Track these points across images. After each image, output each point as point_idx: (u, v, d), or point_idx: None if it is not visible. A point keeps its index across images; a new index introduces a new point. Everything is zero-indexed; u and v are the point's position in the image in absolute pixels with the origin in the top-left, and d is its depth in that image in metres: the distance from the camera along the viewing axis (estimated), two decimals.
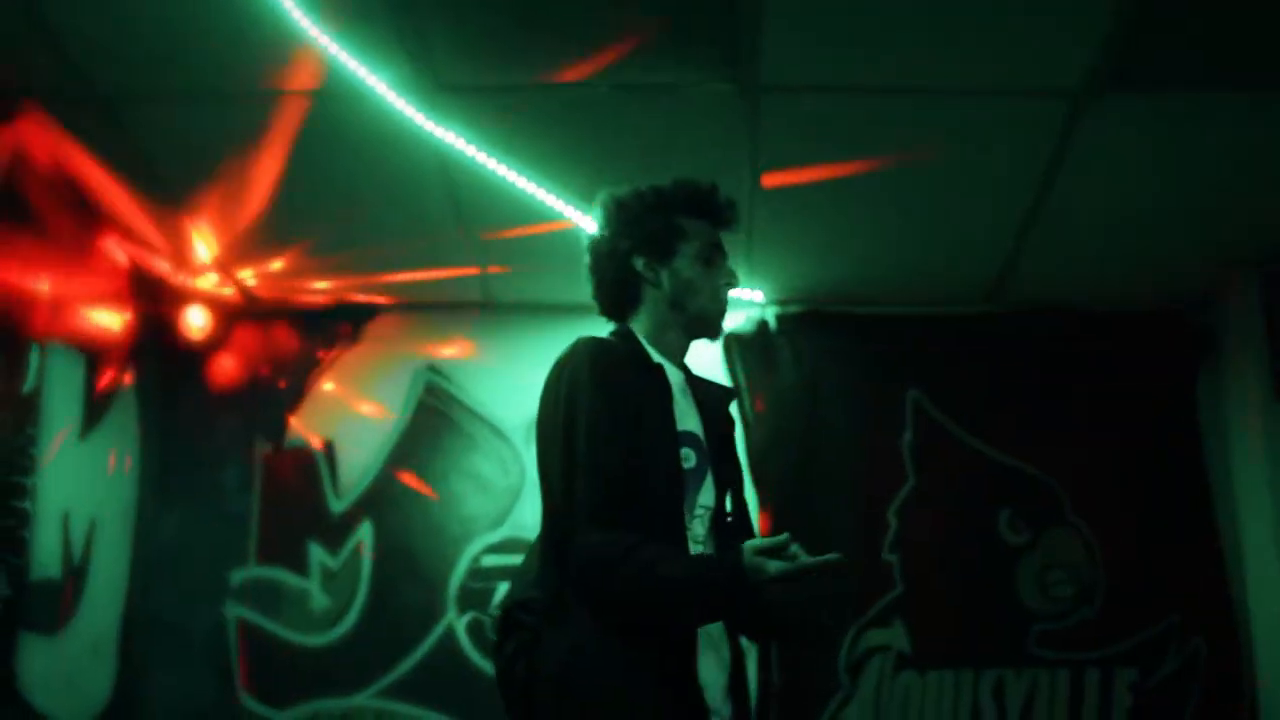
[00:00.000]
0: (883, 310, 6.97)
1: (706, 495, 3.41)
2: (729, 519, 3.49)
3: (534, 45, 4.88)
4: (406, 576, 6.87)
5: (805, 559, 2.95)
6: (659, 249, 3.61)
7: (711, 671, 3.28)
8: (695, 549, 3.33)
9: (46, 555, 5.81)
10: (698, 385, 3.61)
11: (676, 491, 3.31)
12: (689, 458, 3.39)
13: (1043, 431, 6.85)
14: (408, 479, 7.02)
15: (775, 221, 6.10)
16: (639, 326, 3.59)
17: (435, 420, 7.07)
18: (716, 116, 5.25)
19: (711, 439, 3.51)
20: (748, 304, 6.98)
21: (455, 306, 7.13)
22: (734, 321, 6.98)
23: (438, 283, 6.86)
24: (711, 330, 3.69)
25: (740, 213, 5.83)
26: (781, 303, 7.02)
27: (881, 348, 6.96)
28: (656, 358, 3.50)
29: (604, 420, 3.22)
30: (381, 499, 7.02)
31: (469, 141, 5.41)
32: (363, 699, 6.77)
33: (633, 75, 5.00)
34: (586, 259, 3.72)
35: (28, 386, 5.57)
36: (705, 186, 3.77)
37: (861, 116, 5.26)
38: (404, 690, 6.76)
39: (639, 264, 3.59)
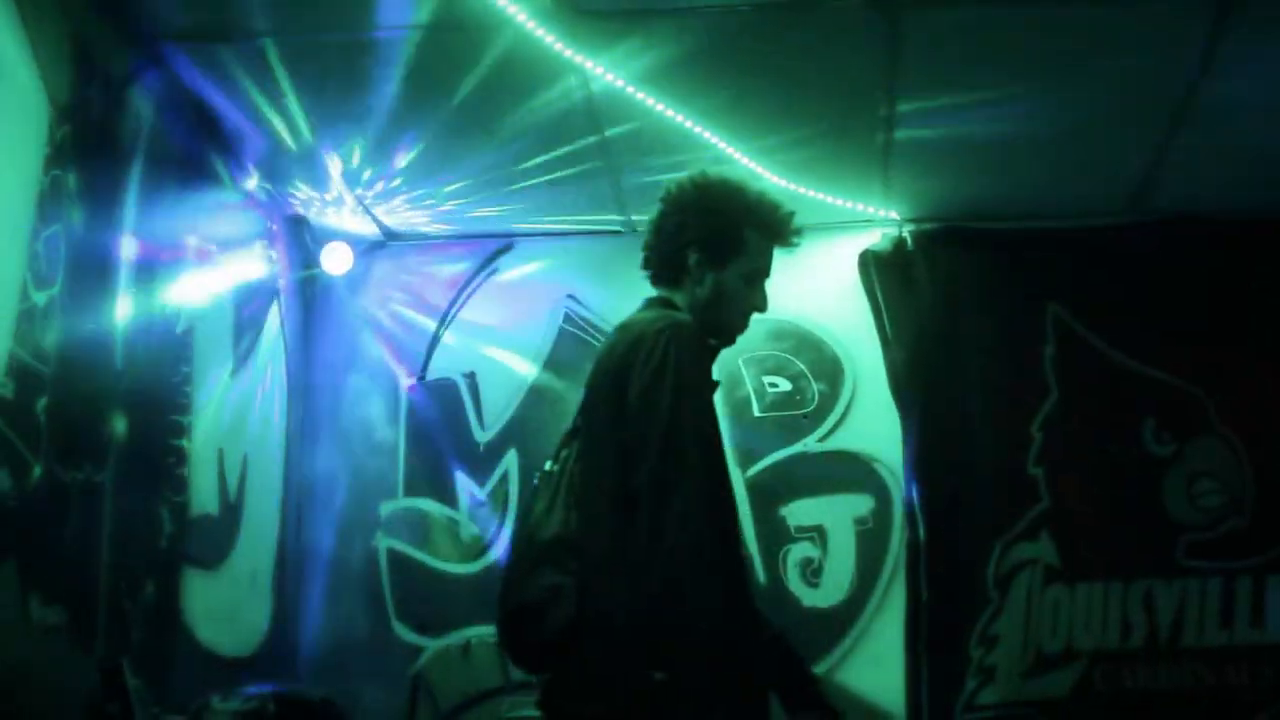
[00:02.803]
0: (1021, 226, 6.91)
1: None
2: None
3: None
4: None
5: None
6: (716, 254, 3.67)
7: None
8: None
9: (204, 492, 5.94)
10: None
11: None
12: None
13: (1186, 341, 6.75)
14: (550, 407, 7.07)
15: (911, 139, 6.06)
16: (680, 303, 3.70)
17: (576, 348, 7.10)
18: (856, 34, 5.19)
19: None
20: (884, 222, 6.95)
21: (594, 234, 7.16)
22: (870, 240, 6.97)
23: (577, 211, 6.90)
24: (726, 340, 3.76)
25: (877, 132, 5.88)
26: (917, 221, 6.96)
27: (1020, 262, 6.90)
28: None
29: (707, 414, 3.39)
30: (526, 428, 7.10)
31: (609, 69, 5.40)
32: None
33: None
34: (656, 213, 3.80)
35: (181, 327, 5.67)
36: (784, 211, 3.80)
37: (1001, 28, 5.16)
38: None
39: (692, 259, 3.68)
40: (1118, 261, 6.84)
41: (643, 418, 3.35)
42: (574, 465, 3.53)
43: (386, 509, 7.11)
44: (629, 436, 3.35)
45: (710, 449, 3.34)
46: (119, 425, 5.02)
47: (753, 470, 6.83)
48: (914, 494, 6.69)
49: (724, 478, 3.45)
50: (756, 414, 6.92)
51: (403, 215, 7.02)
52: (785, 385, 6.92)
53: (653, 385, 3.35)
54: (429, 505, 7.08)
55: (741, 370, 6.95)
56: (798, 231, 3.81)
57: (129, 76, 5.15)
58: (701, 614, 3.16)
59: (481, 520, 7.01)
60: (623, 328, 3.63)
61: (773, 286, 3.82)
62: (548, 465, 3.67)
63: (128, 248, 5.10)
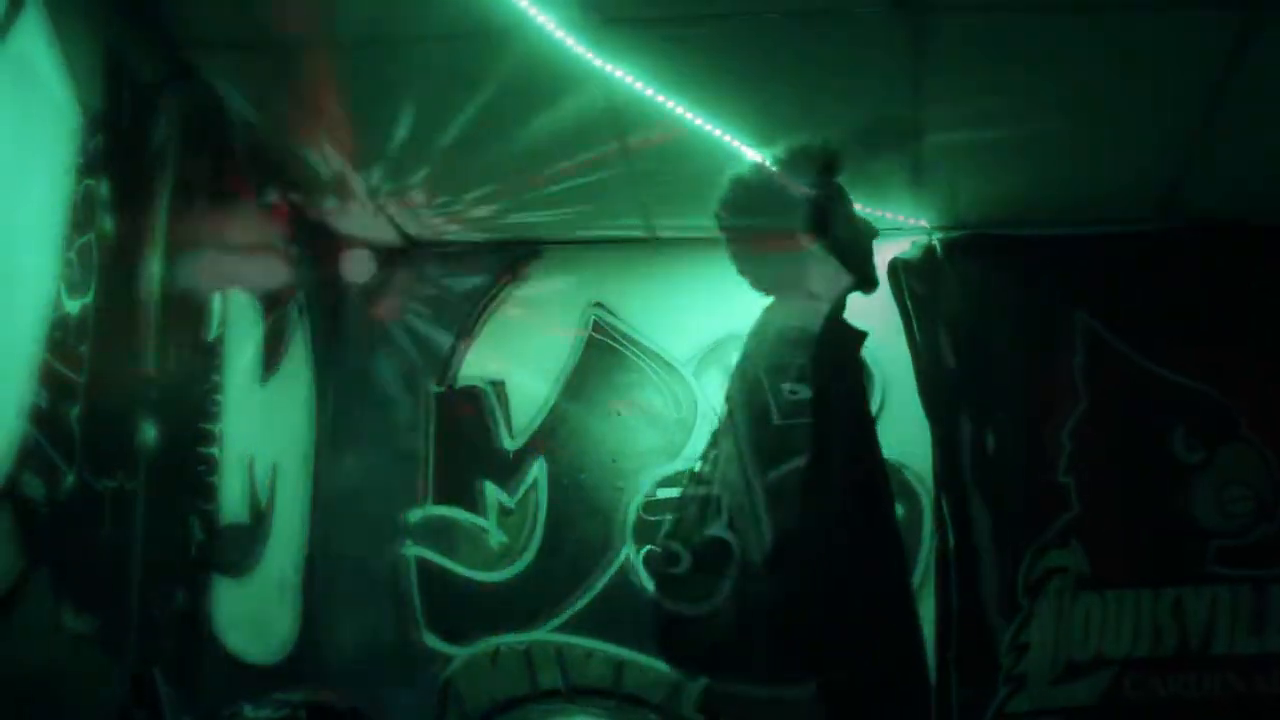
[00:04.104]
0: (1051, 233, 6.88)
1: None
2: None
3: None
4: (581, 511, 6.97)
5: None
6: (823, 220, 3.73)
7: None
8: None
9: (234, 500, 5.94)
10: None
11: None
12: None
13: (1215, 348, 6.73)
14: (579, 415, 7.09)
15: (940, 146, 6.05)
16: None
17: (603, 355, 7.13)
18: (882, 39, 5.17)
19: None
20: (913, 230, 6.94)
21: (619, 241, 7.17)
22: (899, 248, 6.95)
23: (601, 217, 6.90)
24: (871, 284, 3.81)
25: (905, 139, 5.87)
26: (946, 228, 6.96)
27: (1050, 270, 6.88)
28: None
29: (829, 404, 3.46)
30: (554, 435, 7.11)
31: (635, 76, 5.39)
32: (542, 633, 6.88)
33: (798, 1, 4.98)
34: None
35: (211, 334, 5.68)
36: (814, 147, 3.88)
37: (1028, 35, 5.14)
38: (582, 623, 6.87)
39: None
40: (1147, 268, 6.82)
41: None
42: (724, 467, 3.58)
43: (414, 517, 7.11)
44: (765, 437, 3.41)
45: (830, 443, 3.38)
46: (150, 433, 5.02)
47: (773, 473, 6.80)
48: (943, 502, 6.67)
49: (851, 463, 3.45)
50: (777, 422, 6.90)
51: (427, 223, 7.04)
52: (808, 393, 6.89)
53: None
54: (457, 513, 7.09)
55: (763, 378, 6.90)
56: (822, 150, 3.88)
57: (160, 85, 5.16)
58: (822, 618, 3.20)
59: (510, 528, 7.02)
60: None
61: None
62: (697, 466, 3.71)
63: (159, 256, 5.10)
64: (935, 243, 6.95)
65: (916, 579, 6.67)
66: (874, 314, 6.73)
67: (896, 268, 6.93)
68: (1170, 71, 5.41)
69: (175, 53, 5.26)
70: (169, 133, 5.25)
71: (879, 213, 6.67)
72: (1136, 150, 6.13)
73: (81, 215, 4.45)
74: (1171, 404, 6.73)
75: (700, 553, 3.50)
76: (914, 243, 6.96)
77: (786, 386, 6.88)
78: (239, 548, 6.02)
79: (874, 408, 6.85)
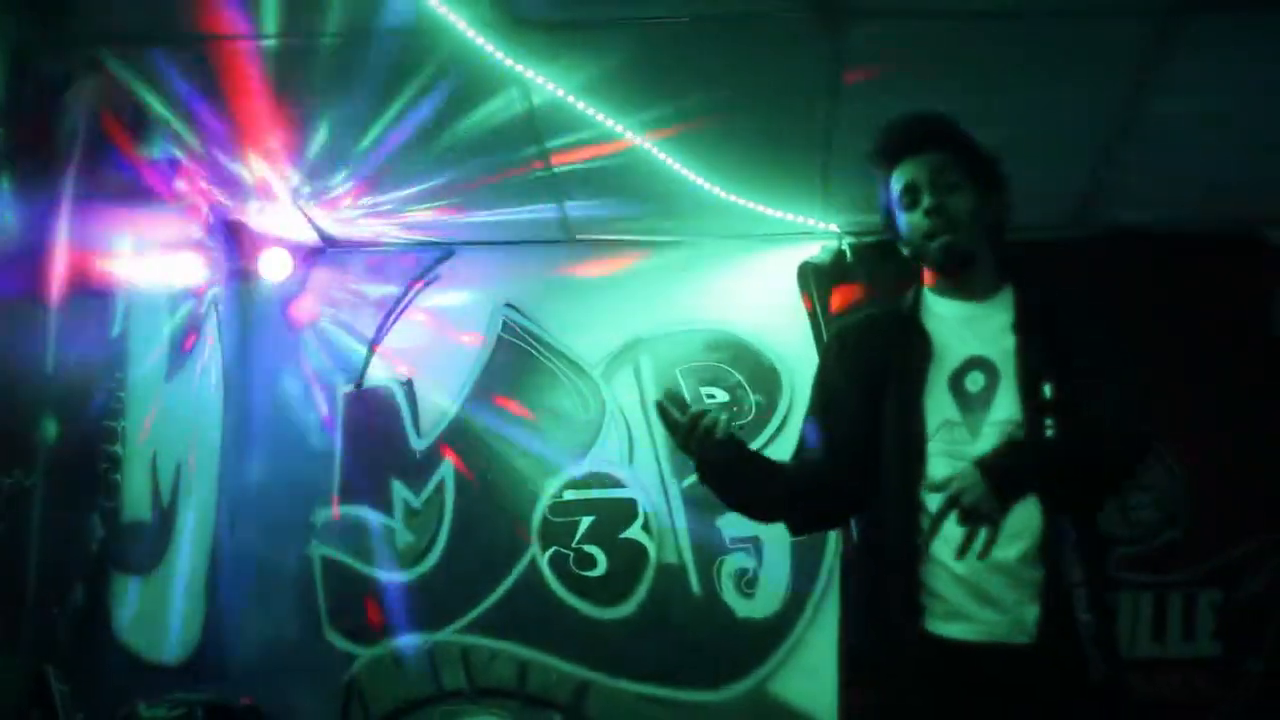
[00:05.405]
0: None
1: (1001, 410, 3.57)
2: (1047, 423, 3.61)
3: None
4: (489, 512, 6.95)
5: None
6: (891, 225, 4.02)
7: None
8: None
9: (137, 498, 5.88)
10: (1014, 303, 3.84)
11: (911, 430, 3.57)
12: (975, 381, 3.64)
13: (1123, 355, 6.76)
14: (488, 416, 7.07)
15: (852, 151, 6.05)
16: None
17: (514, 357, 7.11)
18: (799, 45, 5.19)
19: (1018, 352, 3.67)
20: (823, 234, 6.95)
21: (532, 243, 7.15)
22: (809, 252, 6.98)
23: (516, 220, 6.87)
24: (932, 263, 3.89)
25: (817, 144, 5.88)
26: (857, 234, 6.96)
27: None
28: (935, 303, 3.85)
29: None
30: (463, 436, 7.09)
31: (549, 77, 5.38)
32: (447, 634, 6.86)
33: (714, 5, 4.97)
34: None
35: (115, 331, 5.62)
36: (878, 142, 4.03)
37: (944, 41, 5.18)
38: (488, 625, 6.85)
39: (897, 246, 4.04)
40: (1059, 276, 6.83)
41: None
42: None
43: (321, 516, 7.07)
44: None
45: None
46: (50, 430, 4.96)
47: (689, 480, 6.80)
48: None
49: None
50: None
51: (342, 222, 6.99)
52: (722, 396, 6.90)
53: None
54: (364, 512, 7.06)
55: (679, 380, 6.93)
56: (903, 130, 3.98)
57: (65, 79, 5.10)
58: None
59: (417, 528, 7.00)
60: None
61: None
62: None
63: (61, 251, 5.05)
64: (845, 247, 6.95)
65: (821, 581, 6.72)
66: (783, 318, 6.82)
67: (806, 272, 6.95)
68: (1084, 82, 5.45)
69: (84, 47, 5.20)
70: (74, 127, 5.19)
71: (790, 216, 6.70)
72: (1051, 160, 6.12)
73: None
74: None
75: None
76: (824, 247, 6.97)
77: (704, 390, 6.94)
78: (142, 545, 5.95)
79: (783, 410, 6.90)
